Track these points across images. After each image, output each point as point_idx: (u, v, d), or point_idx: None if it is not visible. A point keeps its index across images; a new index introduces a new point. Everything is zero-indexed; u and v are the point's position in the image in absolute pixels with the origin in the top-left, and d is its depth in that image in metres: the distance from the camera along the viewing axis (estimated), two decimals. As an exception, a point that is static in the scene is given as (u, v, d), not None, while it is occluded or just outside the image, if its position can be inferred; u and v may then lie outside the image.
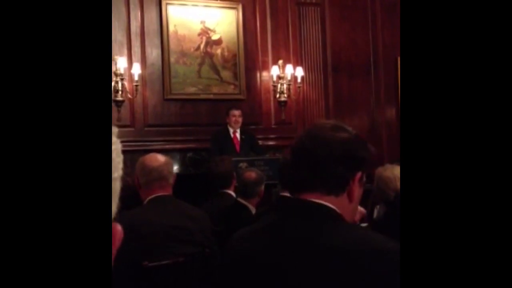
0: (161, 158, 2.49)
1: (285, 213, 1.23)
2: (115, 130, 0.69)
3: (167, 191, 2.47)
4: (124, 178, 0.71)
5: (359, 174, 1.21)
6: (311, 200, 1.18)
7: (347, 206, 1.21)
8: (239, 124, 5.48)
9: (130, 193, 2.50)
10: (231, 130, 5.47)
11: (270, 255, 1.15)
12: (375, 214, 2.95)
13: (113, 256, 0.64)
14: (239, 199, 3.15)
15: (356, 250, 1.07)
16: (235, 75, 6.12)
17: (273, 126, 6.37)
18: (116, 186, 0.67)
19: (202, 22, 5.99)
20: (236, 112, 5.45)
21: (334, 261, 1.07)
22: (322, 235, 1.13)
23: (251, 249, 1.21)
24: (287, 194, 2.48)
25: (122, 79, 5.46)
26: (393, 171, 2.40)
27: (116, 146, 0.68)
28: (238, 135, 5.50)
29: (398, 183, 2.35)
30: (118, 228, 0.66)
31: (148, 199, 2.43)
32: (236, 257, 1.25)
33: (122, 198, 0.70)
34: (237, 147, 5.43)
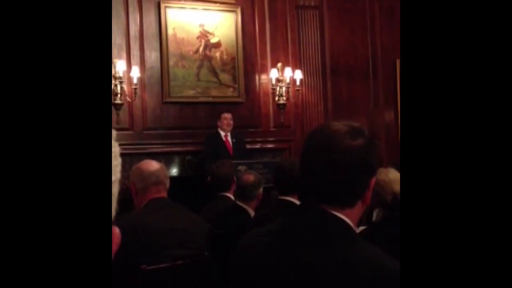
0: (156, 163, 2.52)
1: (298, 221, 1.19)
2: (113, 133, 0.69)
3: (164, 196, 2.48)
4: (122, 181, 0.71)
5: (374, 180, 1.20)
6: (329, 212, 1.15)
7: (359, 210, 1.20)
8: (231, 127, 5.57)
9: (128, 196, 2.50)
10: (222, 134, 5.54)
11: (279, 260, 1.14)
12: (374, 217, 2.96)
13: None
14: (238, 202, 3.15)
15: (365, 267, 1.06)
16: (234, 78, 6.12)
17: (272, 129, 6.37)
18: (114, 190, 0.67)
19: (201, 25, 6.00)
20: (228, 116, 5.54)
21: (343, 274, 1.06)
22: (334, 246, 1.11)
23: (264, 252, 1.19)
24: (287, 198, 2.50)
25: (121, 82, 5.47)
26: (388, 175, 2.41)
27: (114, 149, 0.68)
28: (229, 138, 5.57)
29: (394, 186, 2.36)
30: (116, 231, 0.66)
31: (146, 201, 2.43)
32: (245, 261, 1.22)
33: (120, 201, 0.70)
34: (230, 150, 5.49)
